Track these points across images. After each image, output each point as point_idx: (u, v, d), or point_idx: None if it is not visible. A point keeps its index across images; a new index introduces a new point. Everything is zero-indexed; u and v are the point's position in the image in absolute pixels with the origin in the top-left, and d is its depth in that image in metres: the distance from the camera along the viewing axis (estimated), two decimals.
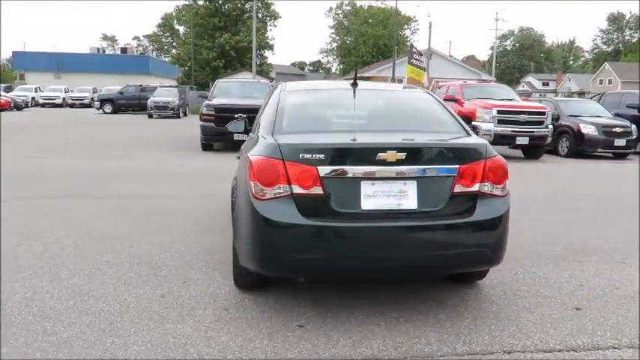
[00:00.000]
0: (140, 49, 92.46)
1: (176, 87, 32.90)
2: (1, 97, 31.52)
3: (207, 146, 13.38)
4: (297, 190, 3.07)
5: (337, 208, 3.08)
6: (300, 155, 3.08)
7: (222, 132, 12.44)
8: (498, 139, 12.43)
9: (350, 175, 3.08)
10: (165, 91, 29.24)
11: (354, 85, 4.08)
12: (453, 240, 3.19)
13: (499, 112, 12.59)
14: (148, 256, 4.56)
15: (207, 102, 13.62)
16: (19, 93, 40.02)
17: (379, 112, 4.00)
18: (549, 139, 13.05)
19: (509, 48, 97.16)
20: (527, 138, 12.64)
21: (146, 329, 3.18)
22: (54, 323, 3.24)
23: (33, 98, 40.81)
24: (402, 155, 3.08)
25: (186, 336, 3.10)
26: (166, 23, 72.30)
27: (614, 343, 3.13)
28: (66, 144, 14.11)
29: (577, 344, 3.10)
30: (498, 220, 3.26)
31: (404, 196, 3.12)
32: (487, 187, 3.26)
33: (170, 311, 3.45)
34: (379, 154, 3.07)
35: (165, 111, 27.17)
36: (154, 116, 27.25)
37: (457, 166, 3.18)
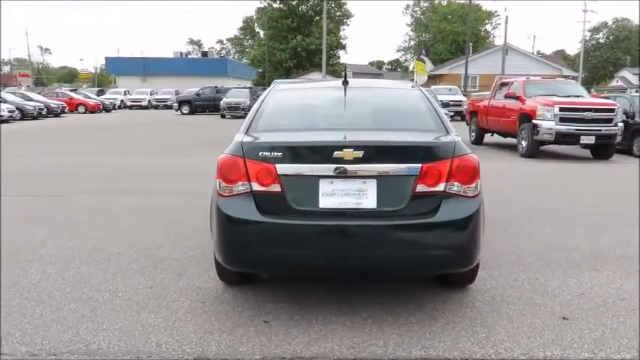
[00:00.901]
0: (223, 52, 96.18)
1: (248, 88, 33.89)
2: (91, 100, 34.04)
3: None
4: (257, 187, 3.13)
5: (295, 206, 3.10)
6: (260, 153, 3.14)
7: None
8: (560, 138, 11.75)
9: (307, 173, 3.09)
10: (237, 92, 30.23)
11: (345, 83, 4.08)
12: (413, 241, 3.11)
13: (561, 109, 11.86)
14: (157, 249, 4.80)
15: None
16: (109, 96, 42.99)
17: (359, 110, 3.95)
18: (619, 138, 12.13)
19: (602, 41, 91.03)
20: (594, 137, 11.81)
21: (122, 317, 3.37)
22: (43, 307, 3.51)
23: (122, 101, 43.64)
24: (359, 154, 3.05)
25: (154, 325, 3.25)
26: (247, 26, 74.68)
27: (587, 356, 2.92)
28: (135, 143, 15.00)
29: (545, 355, 2.92)
30: (464, 221, 3.13)
31: (363, 195, 3.09)
32: (454, 188, 3.14)
33: (151, 301, 3.62)
34: (336, 152, 3.06)
35: (236, 111, 28.05)
36: (227, 117, 28.21)
37: (419, 165, 3.09)
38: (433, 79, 40.57)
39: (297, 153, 3.15)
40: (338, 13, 47.72)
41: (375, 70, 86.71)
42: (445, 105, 26.58)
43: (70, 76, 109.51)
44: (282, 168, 3.09)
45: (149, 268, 4.27)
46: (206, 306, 3.56)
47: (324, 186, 3.09)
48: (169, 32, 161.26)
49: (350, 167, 3.06)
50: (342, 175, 3.07)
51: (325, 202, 3.09)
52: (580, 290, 3.86)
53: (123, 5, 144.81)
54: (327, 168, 3.08)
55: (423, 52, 6.49)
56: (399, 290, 3.78)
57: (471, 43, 37.54)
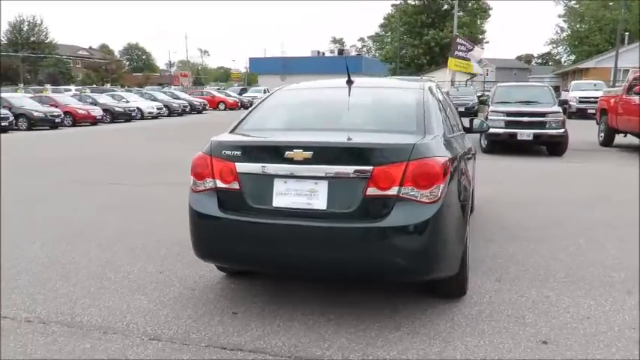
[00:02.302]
0: (364, 49, 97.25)
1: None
2: (230, 98, 36.74)
3: None
4: (220, 184, 3.29)
5: (252, 204, 3.20)
6: (223, 152, 3.29)
7: None
8: None
9: (263, 172, 3.17)
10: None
11: (349, 82, 4.07)
12: (360, 244, 3.02)
13: None
14: (183, 238, 5.17)
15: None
16: (250, 94, 45.93)
17: (345, 111, 3.89)
18: None
19: None
20: None
21: (117, 297, 3.75)
22: (63, 282, 4.02)
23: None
24: (309, 154, 3.05)
25: (137, 307, 3.57)
26: (387, 23, 74.73)
27: None
28: None
29: None
30: (416, 227, 2.97)
31: (314, 196, 3.08)
32: (409, 192, 2.99)
33: (151, 285, 3.96)
34: (287, 152, 3.09)
35: None
36: None
37: (370, 167, 3.00)
38: (577, 73, 37.01)
39: (253, 153, 3.24)
40: (475, 6, 45.66)
41: (523, 64, 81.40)
42: (585, 101, 24.16)
43: (225, 76, 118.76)
44: (241, 166, 3.21)
45: (172, 256, 4.64)
46: (194, 294, 3.80)
47: (278, 185, 3.15)
48: (313, 32, 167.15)
49: (300, 167, 3.08)
50: (294, 175, 3.10)
51: (279, 202, 3.15)
52: (588, 314, 3.43)
53: (269, 5, 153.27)
54: (280, 168, 3.13)
55: (459, 46, 5.89)
56: (386, 295, 3.68)
57: (627, 33, 33.52)
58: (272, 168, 3.15)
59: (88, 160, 11.56)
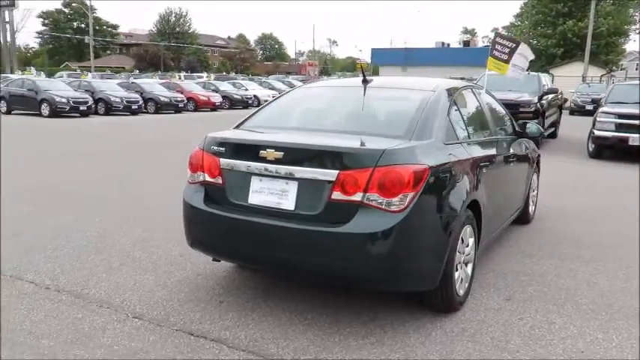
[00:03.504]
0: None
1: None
2: None
3: None
4: (207, 178, 3.44)
5: (231, 199, 3.31)
6: (212, 147, 3.42)
7: None
8: None
9: (240, 169, 3.26)
10: None
11: (364, 82, 4.01)
12: (320, 248, 2.99)
13: None
14: None
15: None
16: None
17: (343, 112, 3.82)
18: None
19: None
20: None
21: (131, 274, 4.08)
22: (94, 257, 4.46)
23: None
24: (280, 154, 3.08)
25: (141, 286, 3.86)
26: (523, 12, 70.27)
27: None
28: None
29: None
30: (375, 236, 2.87)
31: (284, 196, 3.11)
32: (373, 199, 2.90)
33: (165, 267, 4.25)
34: (261, 151, 3.14)
35: None
36: None
37: (336, 171, 2.94)
38: None
39: (234, 149, 3.33)
40: None
41: None
42: None
43: (352, 66, 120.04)
44: (223, 162, 3.33)
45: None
46: (197, 279, 4.02)
47: (254, 183, 3.22)
48: (442, 22, 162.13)
49: (272, 167, 3.12)
50: (267, 174, 3.15)
51: (253, 199, 3.22)
52: (585, 348, 3.08)
53: None
54: (255, 166, 3.19)
55: (498, 45, 5.16)
56: (375, 302, 3.60)
57: None
58: (249, 166, 3.22)
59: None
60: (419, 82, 4.26)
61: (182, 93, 25.31)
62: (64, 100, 19.65)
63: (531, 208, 5.81)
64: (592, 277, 4.21)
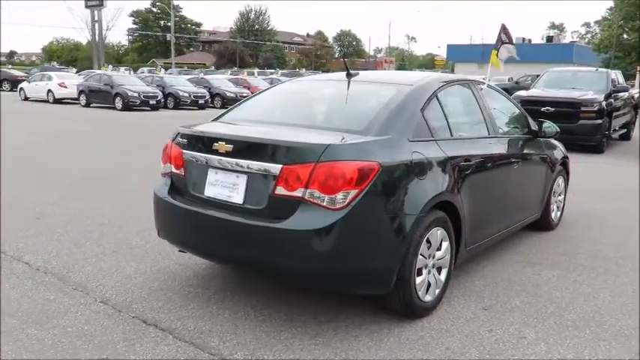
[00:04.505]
0: (588, 36, 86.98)
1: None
2: None
3: None
4: (173, 170, 3.48)
5: (191, 191, 3.33)
6: (177, 139, 3.46)
7: None
8: None
9: (199, 161, 3.27)
10: None
11: (348, 76, 3.91)
12: (262, 244, 2.92)
13: None
14: None
15: (517, 93, 12.78)
16: None
17: (317, 106, 3.75)
18: None
19: None
20: None
21: (118, 261, 4.21)
22: (92, 243, 4.66)
23: None
24: (230, 147, 3.05)
25: (122, 272, 3.98)
26: (615, 4, 65.56)
27: None
28: None
29: None
30: (312, 234, 2.76)
31: (235, 189, 3.08)
32: (313, 195, 2.80)
33: (153, 255, 4.34)
34: (214, 144, 3.13)
35: None
36: None
37: (280, 166, 2.87)
38: None
39: (195, 142, 3.33)
40: None
41: None
42: None
43: (431, 63, 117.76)
44: (186, 154, 3.35)
45: None
46: (178, 269, 4.08)
47: (211, 175, 3.22)
48: (527, 17, 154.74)
49: (224, 160, 3.11)
50: (220, 166, 3.14)
51: (209, 191, 3.22)
52: None
53: None
54: (210, 158, 3.19)
55: (502, 37, 4.62)
56: (348, 303, 3.47)
57: None
58: (205, 158, 3.23)
59: None
60: (405, 76, 4.08)
61: (249, 89, 25.91)
62: (135, 94, 20.73)
63: (554, 214, 5.40)
64: (594, 292, 3.85)
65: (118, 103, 20.86)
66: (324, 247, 2.80)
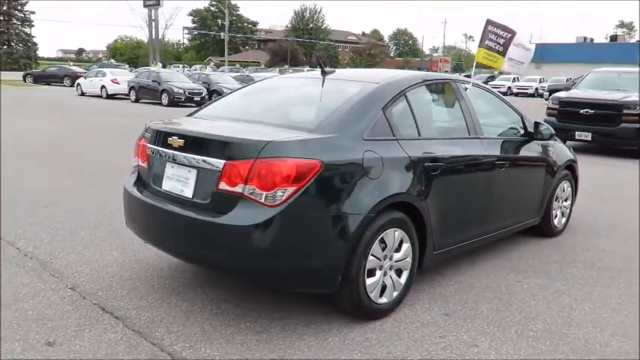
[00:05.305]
0: None
1: None
2: None
3: None
4: (140, 163, 3.57)
5: (152, 184, 3.41)
6: (145, 134, 3.54)
7: (564, 129, 11.21)
8: None
9: (158, 155, 3.34)
10: None
11: (323, 74, 3.89)
12: (205, 238, 2.96)
13: None
14: None
15: (556, 94, 12.27)
16: (497, 82, 43.94)
17: (283, 103, 3.75)
18: None
19: None
20: None
21: (102, 250, 4.35)
22: (89, 231, 4.84)
23: (509, 88, 43.96)
24: (182, 142, 3.11)
25: (101, 260, 4.11)
26: None
27: None
28: None
29: None
30: (247, 229, 2.76)
31: (187, 183, 3.12)
32: (251, 191, 2.80)
33: (136, 245, 4.43)
34: (169, 138, 3.19)
35: None
36: None
37: (223, 161, 2.89)
38: None
39: (156, 136, 3.39)
40: None
41: None
42: None
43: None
44: (150, 148, 3.44)
45: None
46: (154, 260, 4.16)
47: (168, 169, 3.28)
48: (590, 15, 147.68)
49: (177, 154, 3.16)
50: (176, 161, 3.20)
51: (166, 185, 3.28)
52: None
53: None
54: (165, 152, 3.25)
55: (490, 35, 4.20)
56: (310, 302, 3.45)
57: None
58: (163, 152, 3.29)
59: None
60: (378, 74, 3.99)
61: None
62: (180, 91, 21.35)
63: (557, 220, 5.15)
64: (574, 302, 3.66)
65: (165, 99, 21.54)
66: (260, 243, 2.80)
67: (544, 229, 5.03)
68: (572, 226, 5.48)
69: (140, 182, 3.56)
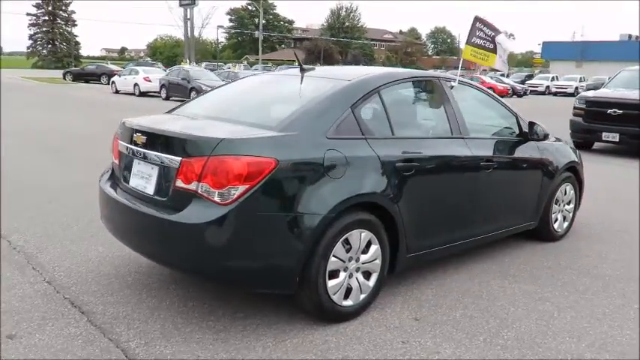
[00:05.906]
0: None
1: None
2: (500, 85, 34.80)
3: (578, 145, 11.53)
4: (114, 160, 3.60)
5: (122, 181, 3.43)
6: (118, 131, 3.57)
7: (591, 130, 10.80)
8: None
9: (127, 152, 3.35)
10: None
11: (302, 71, 3.84)
12: (161, 236, 2.95)
13: None
14: None
15: (583, 93, 11.81)
16: (535, 81, 42.95)
17: (253, 101, 3.68)
18: None
19: None
20: None
21: (88, 245, 4.41)
22: (84, 223, 4.93)
23: (547, 87, 42.86)
24: (144, 139, 3.11)
25: (84, 255, 4.17)
26: None
27: None
28: None
29: None
30: (197, 227, 2.73)
31: (149, 180, 3.12)
32: (204, 189, 2.77)
33: None
34: (134, 135, 3.20)
35: None
36: None
37: (179, 158, 2.87)
38: None
39: (125, 133, 3.41)
40: None
41: None
42: None
43: (529, 61, 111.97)
44: (121, 145, 3.46)
45: None
46: (135, 257, 4.06)
47: (135, 166, 3.29)
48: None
49: (141, 151, 3.16)
50: (141, 158, 3.20)
51: (132, 181, 3.29)
52: None
53: None
54: (131, 149, 3.26)
55: (478, 32, 3.92)
56: (278, 303, 3.42)
57: None
58: (130, 149, 3.30)
59: None
60: (353, 71, 3.88)
61: None
62: (209, 89, 21.47)
63: (557, 224, 4.94)
64: (556, 311, 3.49)
65: (193, 96, 21.81)
66: (212, 242, 2.77)
67: (543, 234, 4.84)
68: (576, 230, 5.26)
69: (113, 178, 3.59)
